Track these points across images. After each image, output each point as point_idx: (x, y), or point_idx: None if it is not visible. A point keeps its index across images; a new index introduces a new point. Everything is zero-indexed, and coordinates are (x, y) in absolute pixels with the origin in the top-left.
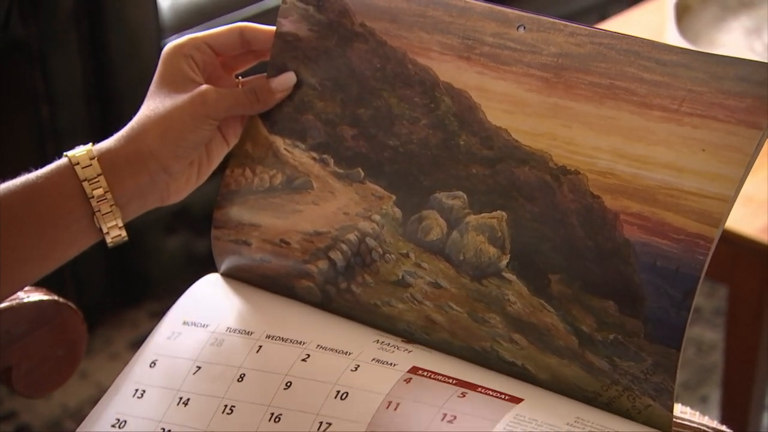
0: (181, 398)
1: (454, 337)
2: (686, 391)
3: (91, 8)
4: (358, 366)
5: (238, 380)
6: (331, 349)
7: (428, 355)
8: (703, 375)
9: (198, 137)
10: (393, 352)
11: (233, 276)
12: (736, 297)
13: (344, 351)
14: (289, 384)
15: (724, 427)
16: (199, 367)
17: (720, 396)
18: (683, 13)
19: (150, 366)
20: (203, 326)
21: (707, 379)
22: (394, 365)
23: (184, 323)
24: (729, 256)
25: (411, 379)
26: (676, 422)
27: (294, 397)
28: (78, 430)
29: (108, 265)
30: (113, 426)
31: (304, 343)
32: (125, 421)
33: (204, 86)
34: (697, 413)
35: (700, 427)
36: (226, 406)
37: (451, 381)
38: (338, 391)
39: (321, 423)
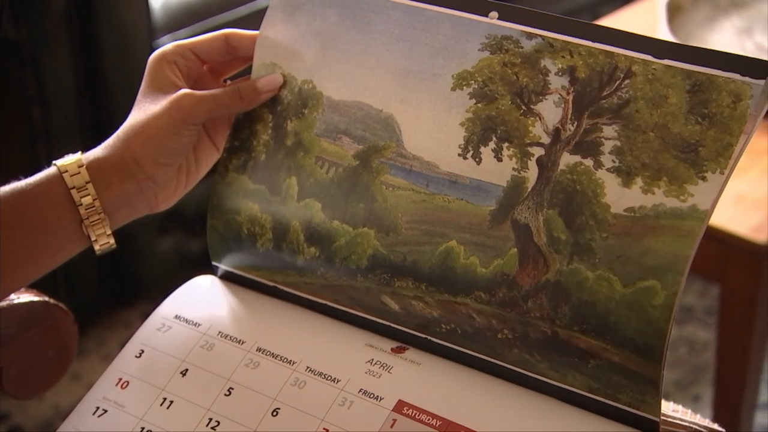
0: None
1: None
2: (679, 390)
3: (83, 9)
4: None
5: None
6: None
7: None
8: (696, 374)
9: (179, 144)
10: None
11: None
12: (728, 296)
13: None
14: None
15: (716, 425)
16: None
17: (712, 395)
18: (675, 13)
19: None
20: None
21: (700, 378)
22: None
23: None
24: (721, 255)
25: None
26: (669, 421)
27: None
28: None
29: (100, 266)
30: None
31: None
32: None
33: (181, 91)
34: (689, 411)
35: (692, 425)
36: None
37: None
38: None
39: None
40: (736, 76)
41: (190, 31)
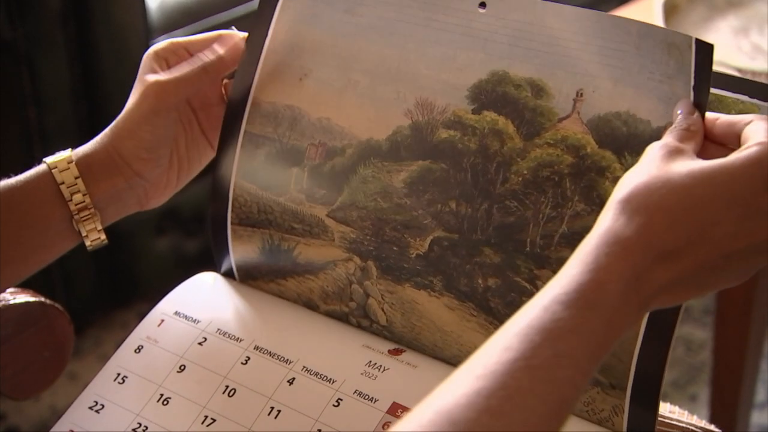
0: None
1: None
2: (675, 390)
3: (79, 9)
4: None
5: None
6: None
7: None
8: (692, 373)
9: (154, 135)
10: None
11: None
12: (725, 296)
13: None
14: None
15: (712, 426)
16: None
17: (709, 394)
18: (671, 13)
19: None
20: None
21: (696, 377)
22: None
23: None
24: None
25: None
26: (665, 422)
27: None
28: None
29: (97, 266)
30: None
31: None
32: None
33: (149, 80)
34: (686, 412)
35: (688, 426)
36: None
37: None
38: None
39: None
40: (745, 98)
41: (187, 32)
